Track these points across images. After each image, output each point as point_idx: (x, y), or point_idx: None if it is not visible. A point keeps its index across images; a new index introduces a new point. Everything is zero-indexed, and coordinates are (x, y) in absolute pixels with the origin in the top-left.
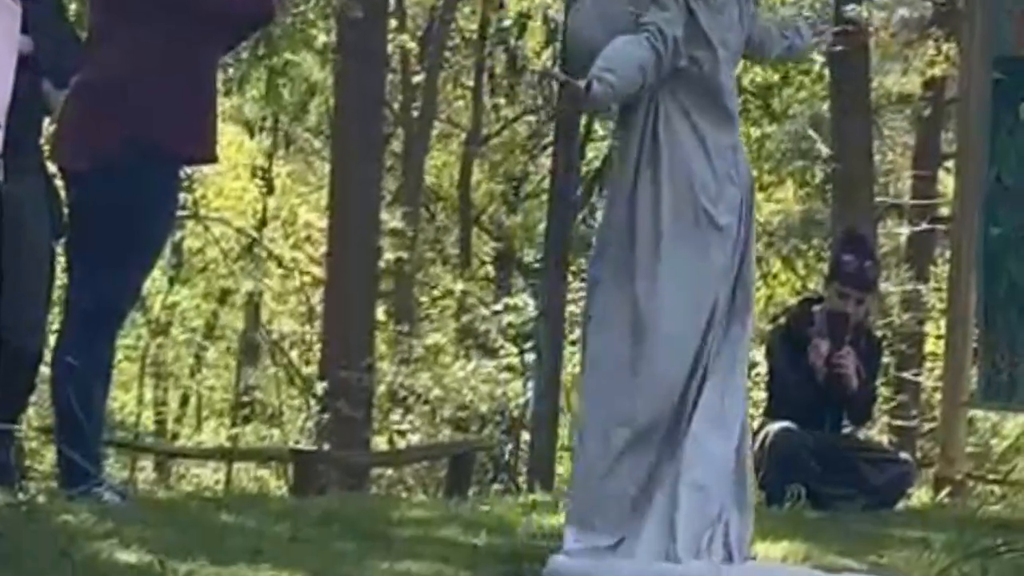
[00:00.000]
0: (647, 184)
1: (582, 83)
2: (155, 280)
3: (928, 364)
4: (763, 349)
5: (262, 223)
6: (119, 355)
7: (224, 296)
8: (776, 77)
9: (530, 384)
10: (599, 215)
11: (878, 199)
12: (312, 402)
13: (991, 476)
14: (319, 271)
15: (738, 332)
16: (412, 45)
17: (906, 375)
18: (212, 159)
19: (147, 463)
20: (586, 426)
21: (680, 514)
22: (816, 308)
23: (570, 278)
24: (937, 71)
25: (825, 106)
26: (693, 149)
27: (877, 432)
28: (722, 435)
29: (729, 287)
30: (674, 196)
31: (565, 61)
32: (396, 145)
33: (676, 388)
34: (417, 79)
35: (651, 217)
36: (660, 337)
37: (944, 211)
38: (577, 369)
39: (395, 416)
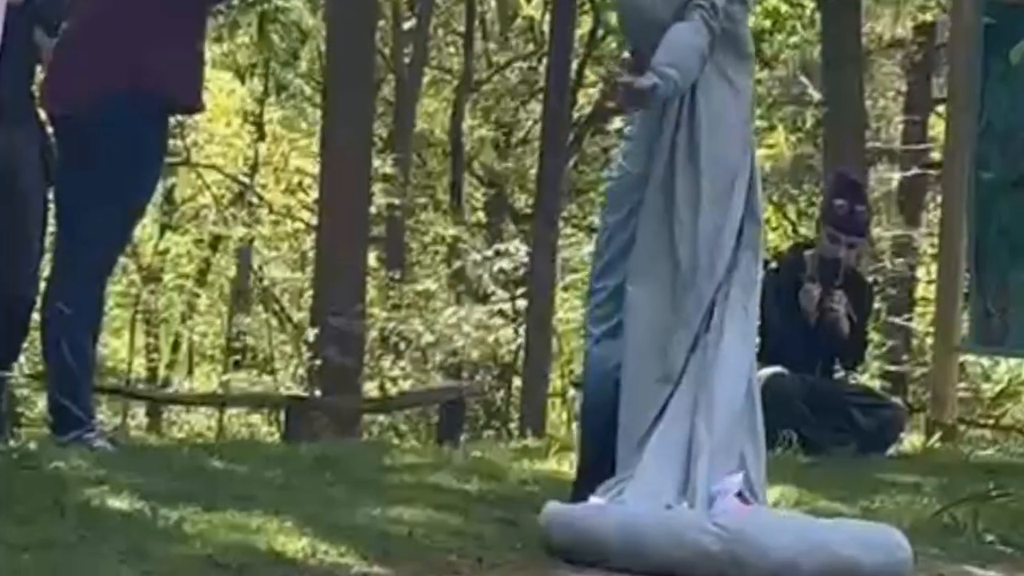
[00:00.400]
0: (684, 143)
1: (647, 82)
2: (146, 227)
3: (919, 309)
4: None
5: (253, 169)
6: (110, 302)
7: (215, 242)
8: (767, 23)
9: (521, 330)
10: (617, 166)
11: (869, 144)
12: (303, 348)
13: (982, 421)
14: (310, 217)
15: (745, 269)
16: None
17: (897, 320)
18: (199, 108)
19: (139, 410)
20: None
21: (692, 460)
22: (807, 253)
23: (561, 224)
24: (928, 16)
25: (816, 51)
26: (727, 101)
27: (868, 377)
28: (733, 379)
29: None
30: (711, 149)
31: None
32: (387, 91)
33: (693, 332)
34: (408, 25)
35: (691, 177)
36: (687, 284)
37: (935, 156)
38: (569, 315)
39: (386, 362)
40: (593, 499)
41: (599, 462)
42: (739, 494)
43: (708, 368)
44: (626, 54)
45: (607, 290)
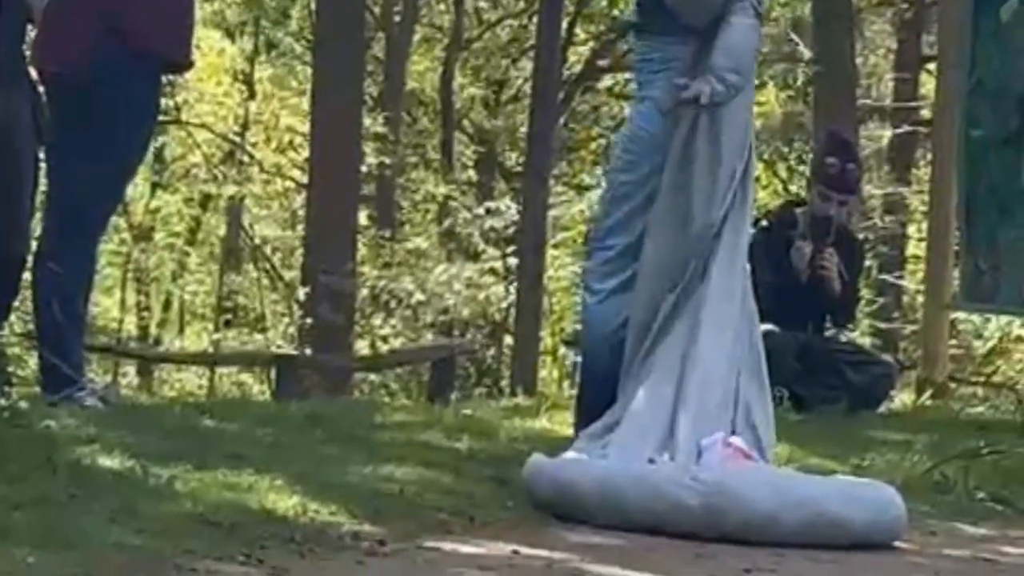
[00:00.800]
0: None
1: (706, 88)
2: (137, 186)
3: (910, 266)
4: None
5: (244, 128)
6: (101, 260)
7: (206, 201)
8: None
9: (512, 288)
10: (633, 126)
11: (860, 102)
12: (294, 307)
13: (973, 378)
14: (301, 176)
15: (735, 228)
16: None
17: (888, 278)
18: (189, 65)
19: (130, 368)
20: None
21: (676, 414)
22: (799, 211)
23: (552, 182)
24: None
25: (807, 9)
26: None
27: (859, 335)
28: (725, 333)
29: None
30: (729, 112)
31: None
32: (378, 49)
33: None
34: None
35: (712, 140)
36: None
37: (926, 113)
38: (560, 272)
39: (377, 321)
40: (576, 446)
41: (597, 418)
42: (728, 445)
43: (697, 326)
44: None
45: (616, 248)
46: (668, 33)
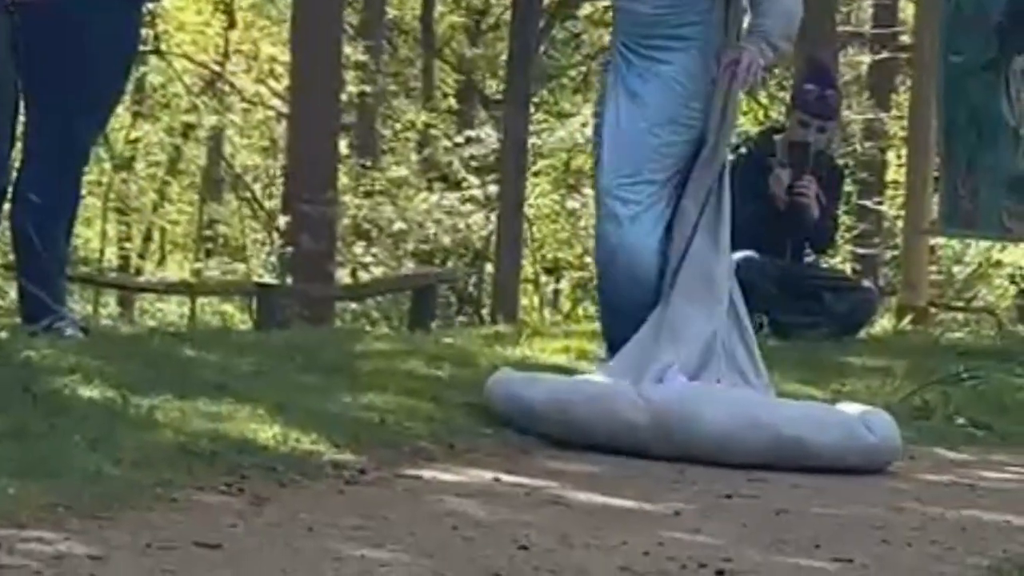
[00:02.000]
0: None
1: (761, 60)
2: (118, 116)
3: (890, 192)
4: None
5: (224, 57)
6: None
7: (187, 131)
8: None
9: (493, 216)
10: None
11: (839, 28)
12: (275, 236)
13: (953, 303)
14: (282, 105)
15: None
16: None
17: (868, 203)
18: None
19: (110, 298)
20: None
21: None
22: (777, 137)
23: (532, 109)
24: None
25: None
26: None
27: (840, 261)
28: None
29: None
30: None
31: None
32: None
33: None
34: None
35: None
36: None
37: (905, 39)
38: (539, 200)
39: (358, 249)
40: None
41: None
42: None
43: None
44: None
45: (657, 183)
46: None
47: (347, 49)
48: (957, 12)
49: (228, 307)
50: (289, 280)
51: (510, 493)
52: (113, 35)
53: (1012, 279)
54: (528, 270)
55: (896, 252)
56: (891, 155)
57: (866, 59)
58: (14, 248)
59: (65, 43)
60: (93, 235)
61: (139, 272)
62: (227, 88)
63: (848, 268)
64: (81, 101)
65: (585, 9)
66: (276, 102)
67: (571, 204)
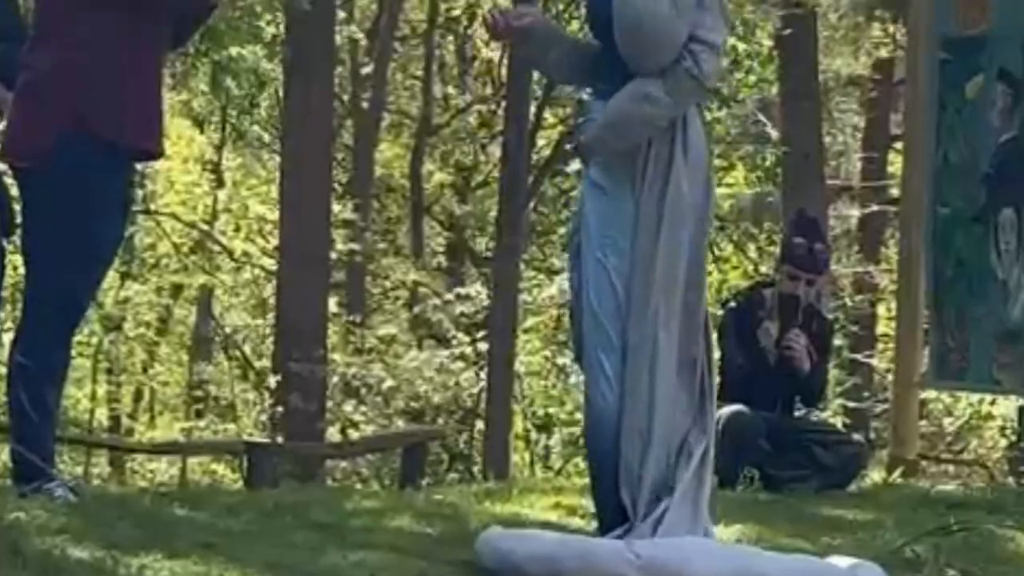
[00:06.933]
0: (681, 169)
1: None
2: (107, 275)
3: (880, 345)
4: (715, 333)
5: (213, 216)
6: (72, 352)
7: (176, 291)
8: (725, 61)
9: (483, 373)
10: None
11: (828, 181)
12: (266, 395)
13: (944, 456)
14: (271, 263)
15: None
16: (361, 37)
17: (859, 357)
18: (160, 154)
19: (101, 459)
20: None
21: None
22: (767, 291)
23: (522, 266)
24: (884, 53)
25: (774, 90)
26: (700, 129)
27: (830, 414)
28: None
29: None
30: (691, 180)
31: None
32: (346, 137)
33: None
34: (366, 70)
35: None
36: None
37: (894, 192)
38: (529, 357)
39: (348, 407)
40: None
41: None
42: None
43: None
44: (583, 95)
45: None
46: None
47: (336, 207)
48: (945, 164)
49: (219, 467)
50: (279, 438)
51: None
52: (103, 196)
53: (1002, 431)
54: (519, 426)
55: (886, 405)
56: (881, 308)
57: (855, 212)
58: (8, 411)
59: (55, 205)
60: (83, 396)
61: (130, 432)
62: (216, 247)
63: (839, 422)
64: (72, 263)
65: (574, 166)
66: (266, 261)
67: (561, 360)
